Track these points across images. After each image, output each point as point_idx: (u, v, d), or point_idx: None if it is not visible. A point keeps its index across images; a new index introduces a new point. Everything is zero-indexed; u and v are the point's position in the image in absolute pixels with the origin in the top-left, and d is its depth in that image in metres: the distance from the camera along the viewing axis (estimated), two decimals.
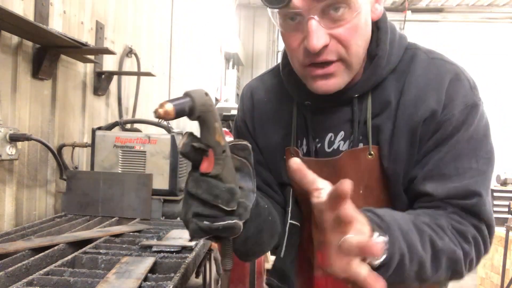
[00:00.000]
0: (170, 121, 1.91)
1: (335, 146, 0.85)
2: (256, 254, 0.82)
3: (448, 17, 7.47)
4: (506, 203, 5.81)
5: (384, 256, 0.61)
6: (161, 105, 0.53)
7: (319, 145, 0.87)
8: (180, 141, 0.60)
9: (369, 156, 0.81)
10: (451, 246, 0.71)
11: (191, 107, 0.55)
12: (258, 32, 7.94)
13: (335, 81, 0.77)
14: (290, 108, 0.91)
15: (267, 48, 7.93)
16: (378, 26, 0.82)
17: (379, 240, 0.61)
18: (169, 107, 0.53)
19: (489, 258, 4.01)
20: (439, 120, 0.77)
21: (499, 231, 3.85)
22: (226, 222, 0.61)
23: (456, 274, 0.74)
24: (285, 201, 0.94)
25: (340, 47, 0.74)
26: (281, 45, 7.76)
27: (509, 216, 3.86)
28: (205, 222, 0.61)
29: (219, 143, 0.60)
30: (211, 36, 5.20)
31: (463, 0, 7.18)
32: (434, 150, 0.78)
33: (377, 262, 0.61)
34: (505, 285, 3.34)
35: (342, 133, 0.85)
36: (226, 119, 4.74)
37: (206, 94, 0.58)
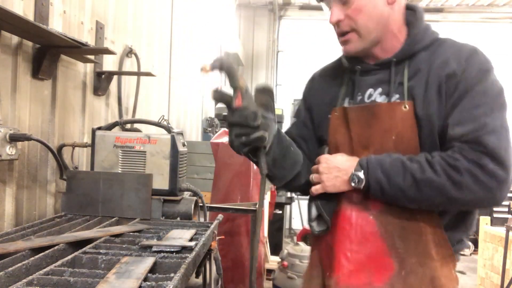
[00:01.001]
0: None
1: (372, 98, 1.10)
2: (282, 179, 1.15)
3: (448, 17, 7.47)
4: (506, 203, 5.81)
5: (362, 184, 1.00)
6: (203, 64, 0.94)
7: (359, 97, 1.12)
8: (212, 94, 0.96)
9: (404, 109, 1.02)
10: (431, 176, 0.94)
11: (221, 65, 0.94)
12: (258, 32, 7.94)
13: (350, 46, 1.09)
14: (341, 78, 1.19)
15: (267, 48, 7.92)
16: (416, 17, 1.10)
17: (354, 173, 1.01)
18: (206, 65, 0.94)
19: (489, 258, 4.01)
20: (459, 80, 0.99)
21: (499, 231, 3.85)
22: (255, 134, 0.94)
23: (450, 198, 0.95)
24: (317, 156, 1.16)
25: (351, 21, 1.05)
26: (281, 45, 7.75)
27: (509, 216, 3.86)
28: (243, 138, 0.96)
29: (242, 86, 0.94)
30: (211, 36, 5.20)
31: (463, 0, 7.17)
32: (457, 104, 0.98)
33: (357, 186, 1.01)
34: (505, 285, 3.34)
35: (380, 89, 1.09)
36: (226, 119, 4.73)
37: (230, 54, 0.95)
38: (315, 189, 1.08)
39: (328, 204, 1.10)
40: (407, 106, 1.01)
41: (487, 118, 0.95)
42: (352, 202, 1.08)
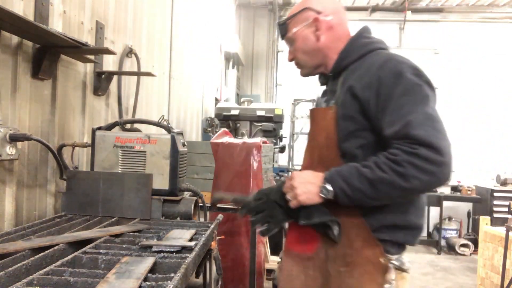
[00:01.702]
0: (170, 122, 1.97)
1: (321, 104, 1.41)
2: None
3: (448, 17, 7.46)
4: (506, 203, 5.81)
5: (330, 194, 1.16)
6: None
7: (315, 103, 1.52)
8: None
9: (331, 112, 1.26)
10: (379, 174, 1.09)
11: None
12: (258, 32, 7.94)
13: (300, 72, 1.44)
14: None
15: (267, 48, 7.92)
16: (351, 39, 1.34)
17: (322, 186, 1.17)
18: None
19: (489, 258, 4.02)
20: (377, 87, 1.17)
21: (499, 231, 3.85)
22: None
23: (402, 189, 1.09)
24: None
25: (295, 58, 1.41)
26: (281, 45, 7.75)
27: (509, 216, 3.86)
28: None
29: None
30: (211, 36, 5.20)
31: (463, 0, 7.17)
32: (385, 108, 1.15)
33: (327, 197, 1.16)
34: (505, 285, 3.34)
35: (325, 98, 1.40)
36: (226, 119, 4.74)
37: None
38: (293, 204, 1.22)
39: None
40: (333, 109, 1.26)
41: (411, 115, 1.10)
42: None
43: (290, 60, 1.43)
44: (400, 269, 1.22)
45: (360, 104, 1.20)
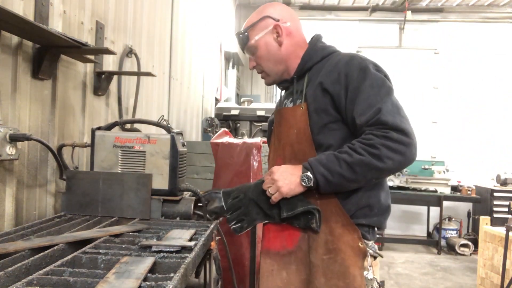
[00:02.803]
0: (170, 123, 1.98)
1: (287, 105, 1.47)
2: None
3: (448, 17, 7.46)
4: (506, 203, 5.82)
5: (312, 181, 1.24)
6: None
7: (285, 104, 1.50)
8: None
9: (301, 109, 1.35)
10: (357, 157, 1.19)
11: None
12: None
13: (265, 81, 1.53)
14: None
15: None
16: (311, 43, 1.48)
17: (303, 174, 1.25)
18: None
19: (489, 258, 4.01)
20: (346, 82, 1.28)
21: (499, 231, 3.85)
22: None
23: (377, 169, 1.20)
24: None
25: (259, 66, 1.49)
26: None
27: (509, 216, 3.86)
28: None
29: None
30: (211, 36, 5.20)
31: (463, 0, 7.17)
32: (355, 100, 1.26)
33: (308, 185, 1.25)
34: (505, 285, 3.34)
35: (290, 98, 1.46)
36: (226, 119, 4.74)
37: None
38: (275, 197, 1.28)
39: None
40: (303, 106, 1.35)
41: (379, 104, 1.22)
42: None
43: (252, 68, 1.49)
44: (375, 255, 1.33)
45: (330, 98, 1.30)
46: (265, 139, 3.67)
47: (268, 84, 1.53)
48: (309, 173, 1.24)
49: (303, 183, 1.24)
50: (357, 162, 1.19)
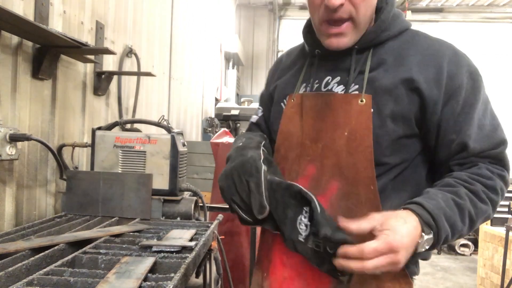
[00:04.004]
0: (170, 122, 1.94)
1: (329, 87, 0.98)
2: None
3: (448, 17, 7.47)
4: (506, 203, 5.81)
5: (428, 246, 0.81)
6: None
7: (316, 85, 1.01)
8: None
9: (360, 102, 0.91)
10: (483, 209, 0.88)
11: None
12: (258, 32, 7.94)
13: (345, 40, 0.94)
14: (303, 61, 1.08)
15: (267, 48, 7.92)
16: (386, 2, 0.99)
17: (423, 239, 0.80)
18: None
19: (489, 258, 4.01)
20: (449, 90, 0.90)
21: (499, 231, 3.85)
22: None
23: (488, 219, 0.92)
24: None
25: (352, 8, 0.90)
26: (281, 45, 7.75)
27: (509, 216, 3.86)
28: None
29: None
30: (211, 36, 5.20)
31: (463, 0, 7.17)
32: (467, 118, 0.91)
33: (424, 249, 0.81)
34: (505, 285, 3.34)
35: (338, 78, 0.98)
36: (226, 119, 4.74)
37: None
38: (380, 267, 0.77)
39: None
40: (364, 99, 0.91)
41: (498, 132, 0.93)
42: None
43: (339, 4, 0.88)
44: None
45: (420, 103, 0.91)
46: None
47: (344, 47, 0.95)
48: (430, 236, 0.81)
49: (419, 248, 0.81)
50: (480, 215, 0.88)
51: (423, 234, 0.80)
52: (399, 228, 0.77)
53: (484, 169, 0.90)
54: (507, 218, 3.47)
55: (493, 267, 3.94)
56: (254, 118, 1.22)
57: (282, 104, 1.07)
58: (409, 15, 7.22)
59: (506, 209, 5.47)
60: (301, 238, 0.84)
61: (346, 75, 0.96)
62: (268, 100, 1.16)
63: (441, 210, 0.82)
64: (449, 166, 0.94)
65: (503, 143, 0.92)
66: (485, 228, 4.17)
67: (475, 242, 5.54)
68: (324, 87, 0.99)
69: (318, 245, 0.82)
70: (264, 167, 0.89)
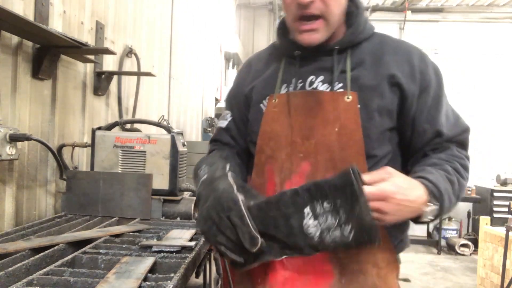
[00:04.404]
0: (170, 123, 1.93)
1: (314, 86, 1.02)
2: None
3: (448, 17, 7.46)
4: (506, 203, 5.81)
5: (432, 217, 0.89)
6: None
7: (301, 85, 1.04)
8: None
9: (347, 99, 0.97)
10: (464, 184, 0.98)
11: None
12: (258, 32, 7.94)
13: (317, 36, 0.99)
14: (279, 62, 1.10)
15: None
16: (356, 6, 1.06)
17: (429, 208, 0.87)
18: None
19: (489, 258, 4.01)
20: (422, 84, 1.00)
21: (499, 231, 3.85)
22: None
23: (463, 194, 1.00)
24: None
25: (322, 5, 0.95)
26: None
27: (509, 216, 3.86)
28: None
29: None
30: (211, 36, 5.20)
31: (463, 0, 7.17)
32: (439, 109, 1.01)
33: (428, 219, 0.89)
34: (505, 285, 3.34)
35: (322, 77, 1.02)
36: None
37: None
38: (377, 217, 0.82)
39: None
40: (350, 96, 0.96)
41: (461, 121, 1.06)
42: None
43: (308, 3, 0.94)
44: (401, 279, 1.08)
45: (401, 97, 0.99)
46: None
47: (315, 43, 0.99)
48: (437, 207, 0.88)
49: (424, 218, 0.88)
50: (462, 190, 0.97)
51: (429, 203, 0.87)
52: (402, 176, 0.88)
53: (455, 151, 1.02)
54: (507, 218, 3.47)
55: (493, 267, 3.94)
56: (223, 123, 1.19)
57: (261, 105, 1.08)
58: (409, 15, 7.22)
59: (506, 209, 5.47)
60: (316, 241, 0.81)
61: (329, 74, 1.01)
62: (243, 102, 1.15)
63: (442, 184, 0.90)
64: (424, 152, 1.03)
65: (467, 130, 1.06)
66: (485, 228, 4.17)
67: (475, 242, 5.54)
68: (309, 86, 1.03)
69: (334, 240, 0.81)
70: (241, 197, 0.83)
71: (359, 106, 0.96)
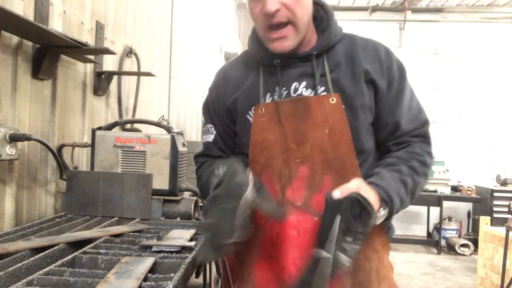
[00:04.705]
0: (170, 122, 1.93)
1: (298, 92, 1.06)
2: None
3: (448, 17, 7.46)
4: (506, 203, 5.81)
5: (383, 220, 0.96)
6: None
7: (285, 92, 1.07)
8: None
9: (331, 101, 1.02)
10: (421, 182, 1.02)
11: None
12: None
13: (287, 43, 1.02)
14: (257, 71, 1.11)
15: None
16: (325, 11, 1.10)
17: (380, 214, 0.94)
18: None
19: (489, 258, 4.01)
20: (388, 79, 1.05)
21: (499, 231, 3.85)
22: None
23: (421, 190, 1.05)
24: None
25: (288, 12, 0.98)
26: None
27: (509, 216, 3.86)
28: None
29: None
30: (211, 36, 5.20)
31: (463, 0, 7.16)
32: (398, 101, 1.06)
33: (378, 222, 0.95)
34: (505, 285, 3.34)
35: (304, 83, 1.06)
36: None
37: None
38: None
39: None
40: (334, 98, 1.02)
41: (423, 114, 1.10)
42: (293, 204, 1.02)
43: (274, 10, 0.96)
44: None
45: (375, 92, 1.05)
46: None
47: (287, 50, 1.03)
48: (386, 211, 0.97)
49: (376, 222, 0.96)
50: (419, 187, 1.02)
51: (380, 209, 0.95)
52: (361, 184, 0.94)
53: (417, 148, 1.05)
54: (507, 218, 3.47)
55: (493, 267, 3.93)
56: (210, 137, 1.19)
57: (248, 116, 1.10)
58: (409, 15, 7.22)
59: (506, 209, 5.47)
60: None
61: (311, 79, 1.06)
62: (226, 115, 1.15)
63: (393, 189, 0.96)
64: (387, 147, 1.09)
65: (427, 123, 1.09)
66: (485, 228, 4.17)
67: (475, 242, 5.54)
68: (294, 93, 1.07)
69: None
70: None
71: (343, 106, 1.02)
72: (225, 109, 1.15)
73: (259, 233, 1.06)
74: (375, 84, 1.04)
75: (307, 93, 1.05)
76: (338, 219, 0.83)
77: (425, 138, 1.08)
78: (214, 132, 1.18)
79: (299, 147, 1.03)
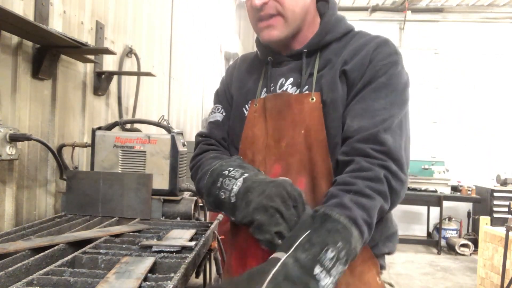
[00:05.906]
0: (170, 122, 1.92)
1: (284, 88, 1.05)
2: None
3: (448, 17, 7.46)
4: (506, 203, 5.81)
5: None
6: None
7: (272, 88, 1.07)
8: None
9: (311, 101, 0.98)
10: (372, 205, 0.84)
11: None
12: None
13: (275, 32, 1.00)
14: (261, 67, 1.13)
15: None
16: (328, 8, 1.07)
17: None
18: None
19: (489, 258, 4.01)
20: (365, 70, 0.96)
21: (499, 231, 3.85)
22: None
23: (383, 211, 0.88)
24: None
25: (277, 4, 0.97)
26: None
27: (509, 216, 3.86)
28: None
29: None
30: (211, 36, 5.20)
31: (463, 0, 7.16)
32: (358, 93, 0.96)
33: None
34: (505, 285, 3.34)
35: (291, 79, 1.04)
36: None
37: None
38: None
39: None
40: (314, 97, 0.97)
41: (386, 113, 0.91)
42: None
43: (262, 5, 0.97)
44: (386, 283, 1.05)
45: (347, 87, 0.97)
46: None
47: (276, 39, 1.01)
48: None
49: None
50: (372, 212, 0.84)
51: None
52: None
53: (362, 162, 0.87)
54: (507, 218, 3.47)
55: (493, 267, 3.93)
56: (219, 116, 1.16)
57: (244, 109, 1.11)
58: (409, 15, 7.22)
59: (506, 209, 5.47)
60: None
61: (298, 76, 1.03)
62: (230, 101, 1.17)
63: (362, 218, 0.82)
64: (337, 160, 0.94)
65: (382, 123, 0.89)
66: (485, 228, 4.17)
67: (475, 242, 5.54)
68: (279, 89, 1.06)
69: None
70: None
71: (321, 105, 0.97)
72: (230, 95, 1.18)
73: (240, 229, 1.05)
74: (348, 78, 0.97)
75: (292, 90, 1.02)
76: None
77: (375, 144, 0.88)
78: (224, 113, 1.17)
79: (276, 144, 1.01)
